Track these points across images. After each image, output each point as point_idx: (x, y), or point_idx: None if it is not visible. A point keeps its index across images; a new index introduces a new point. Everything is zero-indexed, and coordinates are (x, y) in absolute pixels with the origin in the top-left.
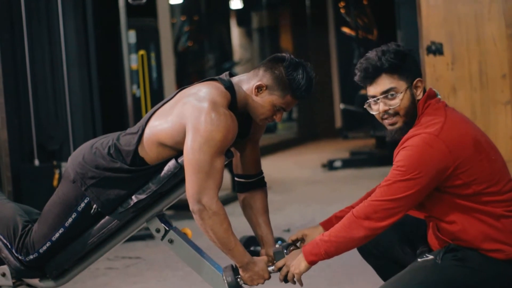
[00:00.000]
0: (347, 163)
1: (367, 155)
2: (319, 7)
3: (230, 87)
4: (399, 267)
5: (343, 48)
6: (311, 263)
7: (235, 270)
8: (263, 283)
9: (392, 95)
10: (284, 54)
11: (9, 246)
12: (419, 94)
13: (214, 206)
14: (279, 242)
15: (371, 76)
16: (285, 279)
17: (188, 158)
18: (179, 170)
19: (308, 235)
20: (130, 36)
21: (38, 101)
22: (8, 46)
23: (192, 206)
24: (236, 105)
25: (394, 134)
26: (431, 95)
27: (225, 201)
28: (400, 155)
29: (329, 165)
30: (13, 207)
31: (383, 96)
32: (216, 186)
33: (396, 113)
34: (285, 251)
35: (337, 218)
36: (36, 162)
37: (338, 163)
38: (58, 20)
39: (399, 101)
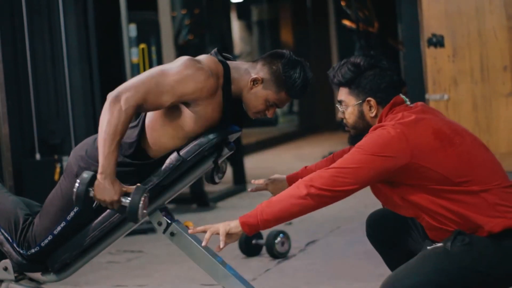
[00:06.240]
0: None
1: None
2: (320, 0)
3: (222, 62)
4: (407, 255)
5: (344, 41)
6: (243, 224)
7: (92, 180)
8: (108, 204)
9: (342, 106)
10: (284, 51)
11: (11, 240)
12: (372, 113)
13: (128, 107)
14: (281, 235)
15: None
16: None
17: (145, 71)
18: (181, 163)
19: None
20: (130, 30)
21: (39, 95)
22: (8, 40)
23: (111, 94)
24: (230, 84)
25: (349, 140)
26: (396, 103)
27: (226, 195)
28: (362, 140)
29: None
30: (14, 200)
31: (339, 105)
32: (143, 100)
33: (346, 123)
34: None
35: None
36: (38, 157)
37: None
38: (59, 14)
39: (346, 114)
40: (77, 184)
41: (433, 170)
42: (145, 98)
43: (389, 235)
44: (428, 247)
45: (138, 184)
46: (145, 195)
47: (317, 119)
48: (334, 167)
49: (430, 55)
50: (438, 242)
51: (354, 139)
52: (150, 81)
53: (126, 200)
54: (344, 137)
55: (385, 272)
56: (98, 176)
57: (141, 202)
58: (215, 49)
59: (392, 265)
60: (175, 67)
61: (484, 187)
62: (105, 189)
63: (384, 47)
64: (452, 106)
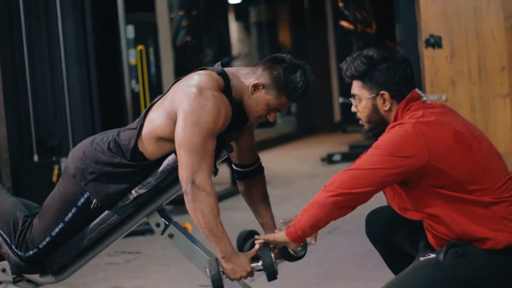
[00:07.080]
0: (346, 157)
1: (365, 148)
2: (318, 1)
3: (222, 73)
4: (406, 255)
5: (342, 42)
6: (288, 234)
7: (218, 263)
8: (245, 277)
9: (356, 100)
10: (284, 55)
11: (9, 242)
12: (386, 106)
13: (208, 187)
14: None
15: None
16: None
17: (180, 139)
18: None
19: None
20: (128, 31)
21: (37, 97)
22: (6, 42)
23: (186, 186)
24: (230, 92)
25: (364, 134)
26: (413, 98)
27: (225, 196)
28: (379, 139)
29: (328, 159)
30: (13, 201)
31: (352, 98)
32: (209, 168)
33: (360, 117)
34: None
35: None
36: (36, 158)
37: (337, 157)
38: (57, 16)
39: (360, 108)
40: (208, 273)
41: (448, 174)
42: (208, 164)
43: (388, 235)
44: (421, 258)
45: (257, 245)
46: (272, 248)
47: (315, 120)
48: (351, 168)
49: (427, 56)
50: (431, 253)
51: (368, 134)
52: (198, 147)
53: (259, 264)
54: (342, 138)
55: (384, 273)
56: (222, 261)
57: (273, 259)
58: (219, 63)
59: (391, 264)
60: (199, 113)
61: (495, 198)
62: (236, 268)
63: None
64: (450, 107)
